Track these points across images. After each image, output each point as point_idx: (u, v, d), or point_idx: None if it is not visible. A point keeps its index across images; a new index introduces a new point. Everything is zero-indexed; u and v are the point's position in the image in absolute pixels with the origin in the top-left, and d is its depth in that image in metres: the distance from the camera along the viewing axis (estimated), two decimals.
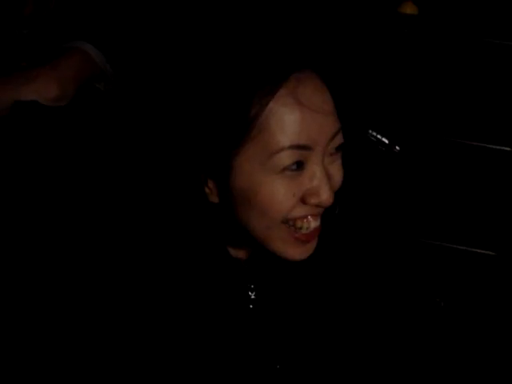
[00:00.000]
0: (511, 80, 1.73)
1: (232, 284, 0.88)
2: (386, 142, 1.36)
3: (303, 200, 0.80)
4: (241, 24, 0.82)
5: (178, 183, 0.83)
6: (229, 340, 0.87)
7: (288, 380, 0.91)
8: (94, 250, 0.89)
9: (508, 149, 1.69)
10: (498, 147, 1.70)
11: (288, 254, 0.83)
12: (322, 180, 0.79)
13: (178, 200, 0.85)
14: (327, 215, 0.86)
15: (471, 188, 1.73)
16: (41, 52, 1.43)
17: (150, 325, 0.84)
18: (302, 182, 0.79)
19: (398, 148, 1.37)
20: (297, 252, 0.83)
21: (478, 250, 1.70)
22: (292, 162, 0.77)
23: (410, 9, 1.74)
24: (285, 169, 0.77)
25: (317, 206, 0.81)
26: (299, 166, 0.78)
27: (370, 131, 1.34)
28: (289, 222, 0.81)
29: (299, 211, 0.80)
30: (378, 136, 1.35)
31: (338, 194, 0.84)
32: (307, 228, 0.82)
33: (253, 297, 0.90)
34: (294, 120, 0.76)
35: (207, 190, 0.83)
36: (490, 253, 1.69)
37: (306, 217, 0.81)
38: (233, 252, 0.90)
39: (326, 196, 0.80)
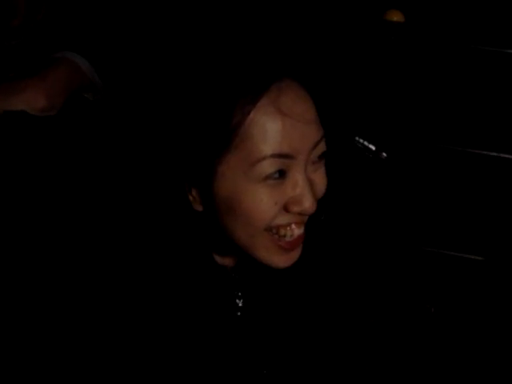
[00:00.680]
0: (498, 86, 1.74)
1: (219, 292, 0.88)
2: (373, 148, 1.37)
3: (286, 208, 0.80)
4: (222, 34, 0.82)
5: (162, 191, 0.84)
6: (216, 347, 0.87)
7: None
8: (79, 258, 0.89)
9: (495, 154, 1.70)
10: (485, 153, 1.71)
11: (272, 261, 0.83)
12: (305, 188, 0.80)
13: (162, 207, 0.85)
14: (313, 222, 0.86)
15: (458, 194, 1.74)
16: (29, 63, 1.43)
17: (137, 332, 0.84)
18: (285, 190, 0.80)
19: (384, 154, 1.38)
20: (281, 260, 0.83)
21: (467, 256, 1.71)
22: (274, 171, 0.78)
23: (396, 16, 1.75)
24: (267, 177, 0.78)
25: (300, 214, 0.81)
26: (281, 174, 0.79)
27: (357, 138, 1.34)
28: (272, 230, 0.81)
29: (282, 219, 0.81)
30: (365, 143, 1.36)
31: (323, 201, 0.85)
32: (291, 236, 0.82)
33: (240, 304, 0.91)
34: (275, 129, 0.77)
35: (191, 197, 0.83)
36: (479, 258, 1.70)
37: (289, 225, 0.82)
38: (219, 259, 0.90)
39: (308, 204, 0.80)
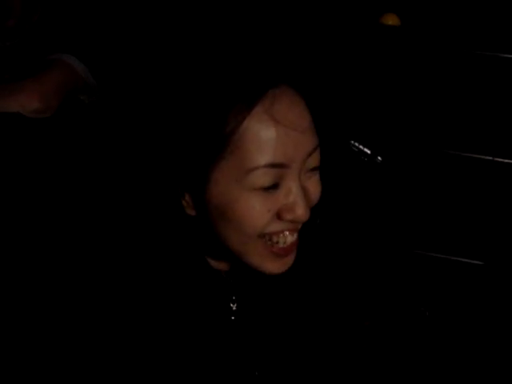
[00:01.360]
0: (494, 90, 1.74)
1: (213, 296, 0.88)
2: (369, 152, 1.37)
3: (279, 216, 0.80)
4: (218, 39, 0.82)
5: (156, 194, 0.84)
6: (210, 350, 0.87)
7: None
8: (72, 261, 0.88)
9: (490, 158, 1.70)
10: (481, 157, 1.71)
11: (265, 268, 0.83)
12: (298, 196, 0.79)
13: (155, 211, 0.85)
14: (308, 227, 0.86)
15: (455, 198, 1.74)
16: (24, 64, 1.43)
17: (132, 336, 0.84)
18: (278, 197, 0.79)
19: (380, 158, 1.38)
20: (274, 266, 0.83)
21: (465, 260, 1.71)
22: (267, 180, 0.77)
23: (392, 20, 1.75)
24: (260, 186, 0.77)
25: (292, 221, 0.81)
26: (275, 182, 0.78)
27: (352, 142, 1.35)
28: (265, 237, 0.81)
29: (275, 226, 0.80)
30: (360, 146, 1.36)
31: (319, 205, 0.85)
32: (284, 242, 0.82)
33: (234, 308, 0.90)
34: (269, 138, 0.76)
35: (184, 202, 0.83)
36: (478, 262, 1.70)
37: (282, 232, 0.81)
38: (214, 263, 0.90)
39: (301, 212, 0.79)
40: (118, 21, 1.46)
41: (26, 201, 1.19)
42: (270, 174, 0.77)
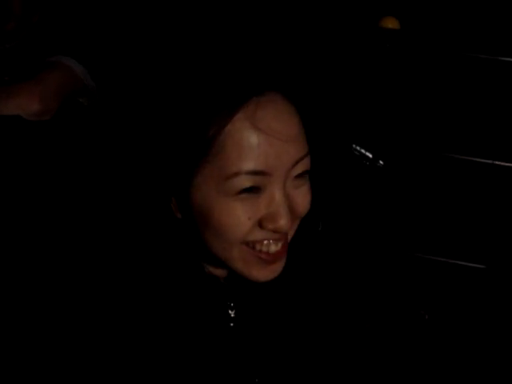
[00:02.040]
0: (493, 94, 1.74)
1: (211, 302, 0.87)
2: (370, 156, 1.37)
3: (260, 224, 0.78)
4: (203, 44, 0.81)
5: (145, 198, 0.83)
6: (209, 358, 0.86)
7: None
8: (67, 265, 0.88)
9: (490, 161, 1.70)
10: (480, 160, 1.71)
11: (251, 275, 0.81)
12: (280, 205, 0.77)
13: (146, 215, 0.84)
14: (308, 230, 0.85)
15: (456, 201, 1.74)
16: (24, 66, 1.42)
17: (129, 342, 0.83)
18: (259, 206, 0.77)
19: (381, 162, 1.38)
20: (261, 273, 0.81)
21: (466, 263, 1.71)
22: (247, 187, 0.76)
23: (391, 23, 1.75)
24: (240, 192, 0.76)
25: (274, 231, 0.78)
26: (256, 190, 0.77)
27: (354, 145, 1.34)
28: (249, 244, 0.79)
29: (257, 235, 0.78)
30: (362, 150, 1.36)
31: (319, 210, 0.84)
32: (267, 251, 0.79)
33: (233, 315, 0.89)
34: (250, 145, 0.74)
35: (172, 206, 0.82)
36: (479, 266, 1.70)
37: (264, 240, 0.79)
38: (211, 269, 0.88)
39: (283, 222, 0.77)
40: (115, 23, 1.45)
41: (23, 203, 1.19)
42: (250, 181, 0.75)
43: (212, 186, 0.76)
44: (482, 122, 1.72)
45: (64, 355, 0.83)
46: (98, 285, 0.84)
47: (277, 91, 0.77)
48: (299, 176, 0.80)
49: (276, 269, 0.81)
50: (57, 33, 1.44)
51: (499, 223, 1.72)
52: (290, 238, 0.84)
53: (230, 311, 0.89)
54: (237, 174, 0.75)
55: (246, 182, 0.75)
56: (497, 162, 1.70)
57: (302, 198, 0.80)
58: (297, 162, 0.78)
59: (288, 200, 0.78)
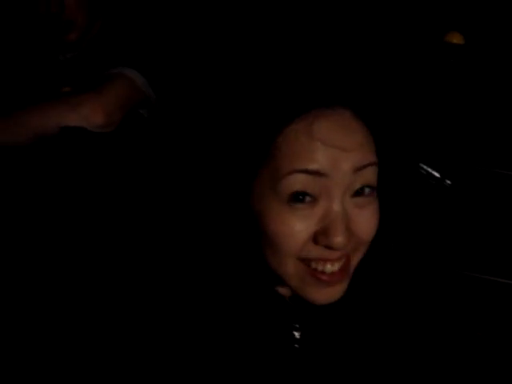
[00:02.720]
0: None
1: (275, 322, 0.83)
2: (437, 175, 1.33)
3: (315, 239, 0.73)
4: (268, 54, 0.79)
5: (209, 209, 0.82)
6: (274, 381, 0.83)
7: None
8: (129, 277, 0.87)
9: None
10: None
11: (309, 296, 0.76)
12: (337, 219, 0.72)
13: (210, 226, 0.82)
14: (376, 252, 0.82)
15: None
16: (84, 77, 1.43)
17: (191, 363, 0.81)
18: (314, 218, 0.73)
19: (448, 182, 1.34)
20: (316, 295, 0.76)
21: None
22: (300, 189, 0.72)
23: (456, 38, 1.72)
24: (294, 196, 0.72)
25: (328, 247, 0.73)
26: (311, 198, 0.73)
27: (421, 164, 1.31)
28: (304, 261, 0.75)
29: (311, 251, 0.74)
30: (429, 169, 1.33)
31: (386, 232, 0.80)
32: (322, 271, 0.75)
33: (298, 336, 0.85)
34: (306, 147, 0.71)
35: (231, 215, 0.80)
36: None
37: (320, 260, 0.74)
38: (276, 287, 0.85)
39: (338, 239, 0.72)
40: (178, 32, 1.45)
41: (91, 212, 1.19)
42: (304, 183, 0.72)
43: (267, 191, 0.74)
44: None
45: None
46: (163, 298, 0.82)
47: (342, 105, 0.74)
48: (362, 193, 0.75)
49: (334, 292, 0.76)
50: (117, 43, 1.45)
51: None
52: (354, 263, 0.79)
53: (295, 332, 0.85)
54: (290, 173, 0.72)
55: (298, 182, 0.72)
56: None
57: (365, 222, 0.75)
58: (357, 170, 0.73)
59: (346, 218, 0.73)
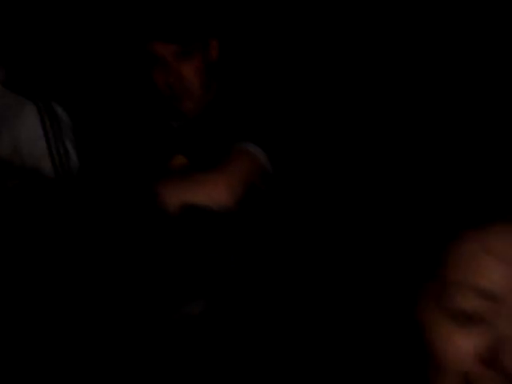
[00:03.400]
0: None
1: None
2: None
3: (485, 361, 0.66)
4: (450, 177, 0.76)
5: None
6: None
7: None
8: None
9: None
10: None
11: None
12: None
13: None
14: None
15: None
16: (198, 145, 1.42)
17: None
18: (482, 336, 0.66)
19: None
20: None
21: None
22: (469, 310, 0.65)
23: None
24: (460, 314, 0.66)
25: (499, 371, 0.65)
26: (478, 318, 0.66)
27: None
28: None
29: (478, 374, 0.66)
30: None
31: None
32: None
33: None
34: (481, 262, 0.66)
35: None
36: None
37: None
38: None
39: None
40: (290, 109, 1.44)
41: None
42: (474, 303, 0.65)
43: (430, 304, 0.69)
44: None
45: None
46: None
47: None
48: None
49: None
50: (233, 113, 1.43)
51: None
52: None
53: None
54: (460, 284, 0.66)
55: (467, 301, 0.66)
56: None
57: None
58: None
59: None
